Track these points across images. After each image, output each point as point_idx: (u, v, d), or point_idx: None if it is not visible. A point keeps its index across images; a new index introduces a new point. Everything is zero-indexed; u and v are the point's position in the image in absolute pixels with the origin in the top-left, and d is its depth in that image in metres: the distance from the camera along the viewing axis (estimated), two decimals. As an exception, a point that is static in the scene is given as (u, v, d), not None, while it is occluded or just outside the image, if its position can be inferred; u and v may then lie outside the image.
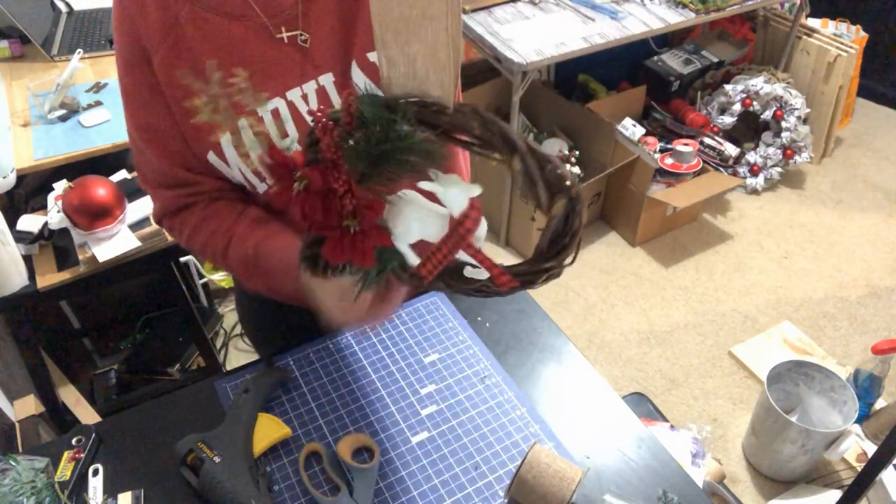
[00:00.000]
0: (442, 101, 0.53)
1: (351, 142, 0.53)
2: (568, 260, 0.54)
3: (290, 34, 0.76)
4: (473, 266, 0.58)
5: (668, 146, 2.65)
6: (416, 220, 0.58)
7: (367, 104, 0.53)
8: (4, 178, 1.42)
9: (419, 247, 0.60)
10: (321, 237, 0.58)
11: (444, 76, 0.54)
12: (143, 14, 0.74)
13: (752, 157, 2.88)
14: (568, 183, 0.50)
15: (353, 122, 0.53)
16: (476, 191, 0.54)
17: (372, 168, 0.53)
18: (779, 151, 2.84)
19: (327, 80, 0.78)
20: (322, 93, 0.78)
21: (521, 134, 0.53)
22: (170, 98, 0.77)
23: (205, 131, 0.77)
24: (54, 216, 1.44)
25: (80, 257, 1.41)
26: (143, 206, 1.51)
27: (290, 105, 0.78)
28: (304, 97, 0.78)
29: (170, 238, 1.47)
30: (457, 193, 0.54)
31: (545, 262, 0.54)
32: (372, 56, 0.77)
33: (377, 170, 0.53)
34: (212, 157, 0.79)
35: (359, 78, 0.78)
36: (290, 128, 0.79)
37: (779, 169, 2.87)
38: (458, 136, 0.53)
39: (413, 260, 0.60)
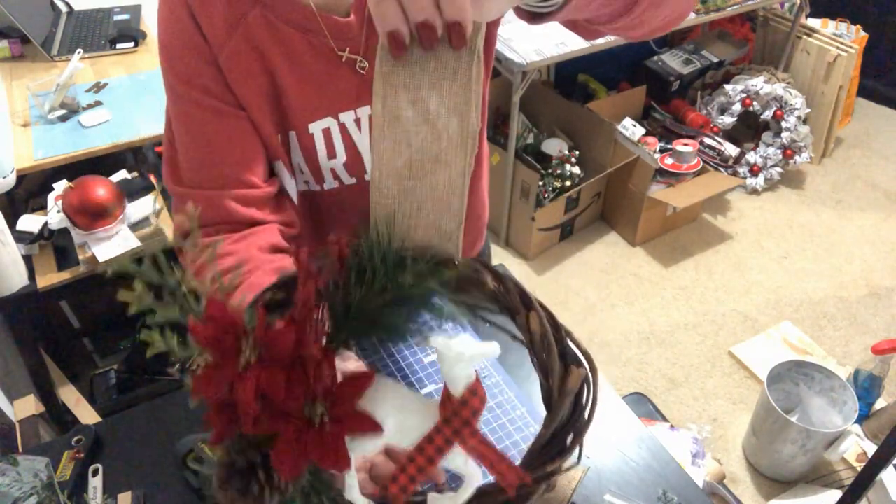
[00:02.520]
0: (449, 253, 0.45)
1: (338, 295, 0.42)
2: (574, 458, 0.44)
3: (351, 56, 0.76)
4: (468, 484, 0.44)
5: (668, 146, 2.65)
6: (394, 408, 0.44)
7: (369, 249, 0.43)
8: (4, 178, 1.42)
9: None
10: (257, 439, 0.40)
11: (454, 225, 0.46)
12: (205, 4, 0.71)
13: (752, 157, 2.88)
14: (582, 354, 0.44)
15: (345, 271, 0.43)
16: (493, 353, 0.42)
17: (358, 329, 0.42)
18: (779, 151, 2.84)
19: None
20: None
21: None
22: (237, 92, 0.75)
23: (266, 130, 0.76)
24: (54, 216, 1.44)
25: (80, 257, 1.41)
26: (143, 206, 1.51)
27: (342, 127, 0.78)
28: (357, 121, 0.79)
29: (170, 237, 1.47)
30: (465, 365, 0.42)
31: (541, 464, 0.43)
32: None
33: (364, 331, 0.42)
34: (295, 137, 0.78)
35: None
36: (339, 148, 0.79)
37: (779, 169, 2.87)
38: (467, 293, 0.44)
39: (353, 482, 0.44)
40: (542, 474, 0.43)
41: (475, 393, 0.42)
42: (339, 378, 0.41)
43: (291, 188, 0.84)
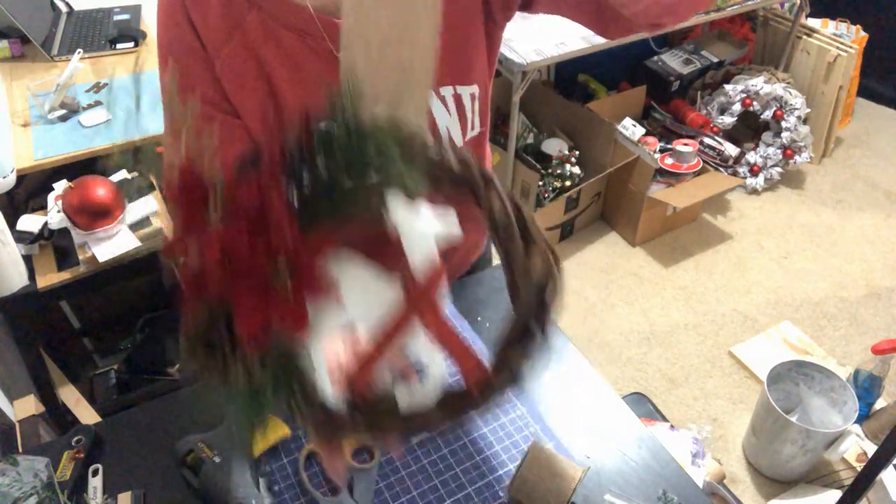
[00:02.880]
0: (420, 132, 0.44)
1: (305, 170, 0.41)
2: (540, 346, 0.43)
3: None
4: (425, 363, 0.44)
5: (668, 146, 2.65)
6: (357, 286, 0.44)
7: (337, 124, 0.42)
8: (4, 178, 1.42)
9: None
10: (220, 303, 0.40)
11: (422, 101, 0.46)
12: (202, 8, 0.71)
13: (752, 157, 2.88)
14: (544, 236, 0.43)
15: (313, 144, 0.42)
16: (452, 229, 0.43)
17: (324, 205, 0.41)
18: (779, 151, 2.84)
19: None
20: None
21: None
22: (232, 98, 0.76)
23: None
24: (54, 216, 1.44)
25: (80, 257, 1.41)
26: (143, 206, 1.51)
27: None
28: None
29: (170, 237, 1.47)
30: (425, 238, 0.42)
31: (511, 357, 0.43)
32: (443, 90, 0.78)
33: (330, 207, 0.41)
34: None
35: None
36: None
37: (779, 169, 2.87)
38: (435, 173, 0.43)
39: (322, 370, 0.44)
40: (507, 369, 0.42)
41: (434, 268, 0.42)
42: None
43: None
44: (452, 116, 0.81)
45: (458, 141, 0.83)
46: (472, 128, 0.84)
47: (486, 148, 0.99)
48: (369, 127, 0.42)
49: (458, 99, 0.80)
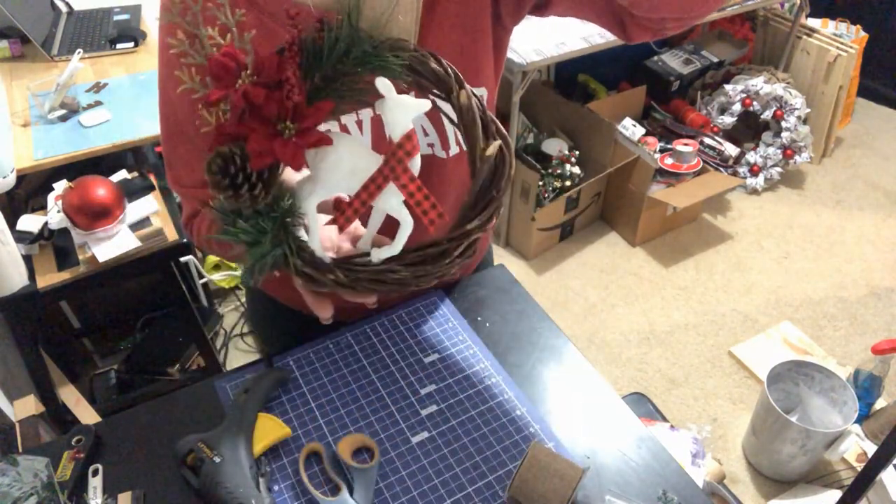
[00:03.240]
0: (403, 41, 0.57)
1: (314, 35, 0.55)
2: (493, 220, 0.56)
3: None
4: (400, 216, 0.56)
5: (668, 146, 2.65)
6: (349, 152, 0.56)
7: (342, 24, 0.55)
8: (4, 178, 1.42)
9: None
10: (238, 136, 0.53)
11: (410, 19, 0.60)
12: (202, 12, 0.72)
13: (752, 157, 2.88)
14: (503, 132, 0.55)
15: (323, 39, 0.55)
16: (425, 106, 0.54)
17: (327, 79, 0.54)
18: (779, 151, 2.84)
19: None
20: (377, 121, 0.78)
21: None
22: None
23: None
24: (54, 216, 1.44)
25: (80, 257, 1.41)
26: (143, 206, 1.51)
27: (344, 129, 0.78)
28: (359, 123, 0.78)
29: (171, 237, 1.47)
30: (403, 111, 0.54)
31: (471, 218, 0.55)
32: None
33: (331, 81, 0.54)
34: None
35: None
36: None
37: (779, 169, 2.87)
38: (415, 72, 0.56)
39: (314, 225, 0.56)
40: (468, 222, 0.55)
41: (409, 138, 0.53)
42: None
43: None
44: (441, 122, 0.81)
45: (465, 145, 0.83)
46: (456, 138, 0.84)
47: None
48: (365, 30, 0.56)
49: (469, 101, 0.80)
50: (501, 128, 0.56)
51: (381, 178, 0.55)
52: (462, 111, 0.54)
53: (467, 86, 0.55)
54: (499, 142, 0.55)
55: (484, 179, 0.55)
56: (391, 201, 0.56)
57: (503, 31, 0.82)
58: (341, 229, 0.57)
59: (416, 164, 0.56)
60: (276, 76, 0.52)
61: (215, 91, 0.52)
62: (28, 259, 1.42)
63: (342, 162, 0.56)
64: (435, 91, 0.58)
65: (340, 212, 0.57)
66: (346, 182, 0.57)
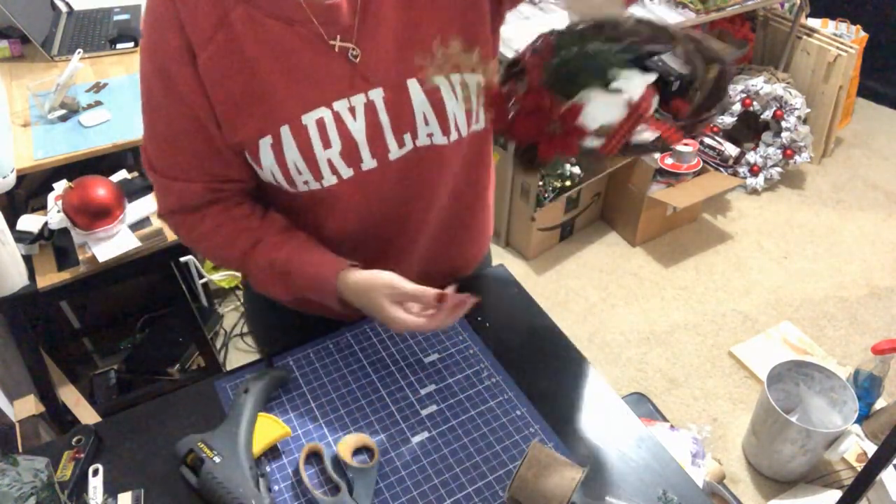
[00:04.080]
0: (615, 18, 0.71)
1: (552, 63, 0.69)
2: (717, 110, 0.71)
3: (342, 44, 0.76)
4: (645, 136, 0.72)
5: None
6: (601, 108, 0.69)
7: (565, 33, 0.71)
8: (4, 178, 1.42)
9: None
10: (532, 146, 0.71)
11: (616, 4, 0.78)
12: (189, 9, 0.72)
13: (752, 157, 2.88)
14: (720, 55, 0.68)
15: (552, 50, 0.69)
16: (652, 77, 0.70)
17: (568, 81, 0.68)
18: (779, 151, 2.84)
19: (377, 94, 0.78)
20: (371, 107, 0.78)
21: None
22: (213, 97, 0.76)
23: (251, 129, 0.78)
24: (54, 216, 1.44)
25: (80, 257, 1.41)
26: (143, 206, 1.51)
27: (336, 115, 0.78)
28: (351, 110, 0.78)
29: (170, 237, 1.47)
30: (637, 83, 0.70)
31: (702, 113, 0.70)
32: (453, 77, 0.80)
33: (572, 81, 0.68)
34: (288, 131, 0.79)
35: (417, 94, 0.79)
36: (334, 138, 0.78)
37: (779, 169, 2.87)
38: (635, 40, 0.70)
39: (596, 143, 0.72)
40: (694, 128, 0.72)
41: (645, 96, 0.68)
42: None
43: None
44: (459, 102, 0.81)
45: (463, 131, 0.84)
46: (477, 120, 0.84)
47: (490, 153, 0.98)
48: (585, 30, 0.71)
49: (464, 86, 0.81)
50: (719, 53, 0.69)
51: (627, 126, 0.69)
52: (686, 49, 0.69)
53: (678, 30, 0.69)
54: (716, 66, 0.68)
55: (710, 89, 0.69)
56: (644, 135, 0.72)
57: (500, 19, 0.85)
58: (609, 153, 0.71)
59: (651, 109, 0.71)
60: (534, 107, 0.69)
61: (500, 101, 0.70)
62: (28, 259, 1.42)
63: (598, 116, 0.69)
64: (651, 47, 0.72)
65: (607, 142, 0.71)
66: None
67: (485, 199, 1.02)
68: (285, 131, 0.77)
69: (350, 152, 0.80)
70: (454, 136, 0.83)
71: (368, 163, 0.81)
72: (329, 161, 0.79)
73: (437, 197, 0.90)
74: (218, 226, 0.86)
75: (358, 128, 0.78)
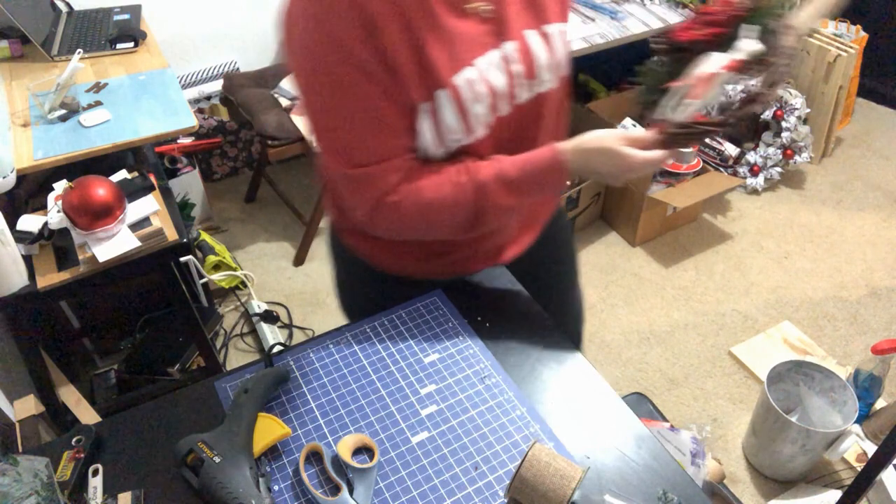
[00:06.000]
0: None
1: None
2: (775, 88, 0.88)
3: (474, 5, 0.84)
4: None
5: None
6: (751, 43, 0.87)
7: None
8: (4, 178, 1.42)
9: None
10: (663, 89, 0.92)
11: None
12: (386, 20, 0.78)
13: (752, 157, 2.88)
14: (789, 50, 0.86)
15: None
16: (728, 58, 0.87)
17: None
18: (779, 151, 2.84)
19: (511, 47, 0.87)
20: (506, 59, 0.86)
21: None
22: (391, 59, 0.79)
23: (416, 98, 0.82)
24: (54, 216, 1.44)
25: (80, 257, 1.41)
26: (143, 206, 1.51)
27: (481, 73, 0.84)
28: (493, 64, 0.85)
29: (171, 237, 1.47)
30: (715, 61, 0.88)
31: (753, 100, 0.89)
32: (549, 28, 0.89)
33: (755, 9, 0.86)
34: (444, 95, 0.83)
35: (537, 43, 0.88)
36: (483, 92, 0.84)
37: (779, 169, 2.87)
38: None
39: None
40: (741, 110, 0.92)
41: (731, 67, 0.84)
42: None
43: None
44: (556, 53, 0.91)
45: (555, 81, 0.93)
46: (562, 67, 0.94)
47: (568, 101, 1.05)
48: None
49: (563, 36, 0.92)
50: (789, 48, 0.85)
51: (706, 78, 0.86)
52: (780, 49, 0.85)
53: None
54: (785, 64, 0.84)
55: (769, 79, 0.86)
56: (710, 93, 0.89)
57: None
58: (696, 97, 0.86)
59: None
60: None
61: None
62: (28, 259, 1.42)
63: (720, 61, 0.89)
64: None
65: (695, 86, 0.87)
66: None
67: None
68: (443, 95, 0.82)
69: (495, 104, 0.87)
70: (557, 82, 0.94)
71: (504, 111, 0.89)
72: (478, 116, 0.86)
73: (541, 143, 0.95)
74: (433, 182, 0.87)
75: (500, 81, 0.86)
